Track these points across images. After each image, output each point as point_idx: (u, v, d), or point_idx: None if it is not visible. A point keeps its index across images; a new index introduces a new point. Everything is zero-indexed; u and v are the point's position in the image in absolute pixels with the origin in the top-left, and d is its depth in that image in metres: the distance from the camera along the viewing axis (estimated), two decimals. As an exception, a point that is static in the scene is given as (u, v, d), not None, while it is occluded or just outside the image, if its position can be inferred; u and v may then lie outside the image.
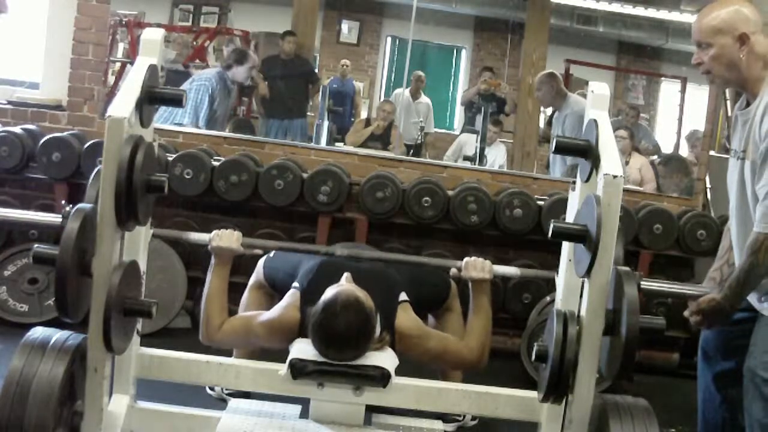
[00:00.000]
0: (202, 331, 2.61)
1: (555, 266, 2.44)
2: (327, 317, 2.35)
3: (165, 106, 2.30)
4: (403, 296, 2.63)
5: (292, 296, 2.60)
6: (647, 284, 2.17)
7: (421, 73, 6.33)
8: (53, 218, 2.18)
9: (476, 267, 2.61)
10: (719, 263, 2.46)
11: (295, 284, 2.63)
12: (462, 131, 6.13)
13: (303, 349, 2.43)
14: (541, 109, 6.02)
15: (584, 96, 3.10)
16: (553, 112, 5.47)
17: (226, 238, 2.59)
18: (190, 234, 2.74)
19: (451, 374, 2.94)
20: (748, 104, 2.23)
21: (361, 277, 2.54)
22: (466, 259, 2.63)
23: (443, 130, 6.25)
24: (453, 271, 2.66)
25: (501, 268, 2.67)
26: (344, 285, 2.46)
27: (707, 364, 2.46)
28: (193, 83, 4.80)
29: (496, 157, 5.64)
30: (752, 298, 2.23)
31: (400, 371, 2.47)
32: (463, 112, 6.32)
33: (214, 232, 2.62)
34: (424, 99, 6.27)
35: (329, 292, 2.41)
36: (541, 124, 5.94)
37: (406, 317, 2.58)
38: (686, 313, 2.30)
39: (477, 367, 2.65)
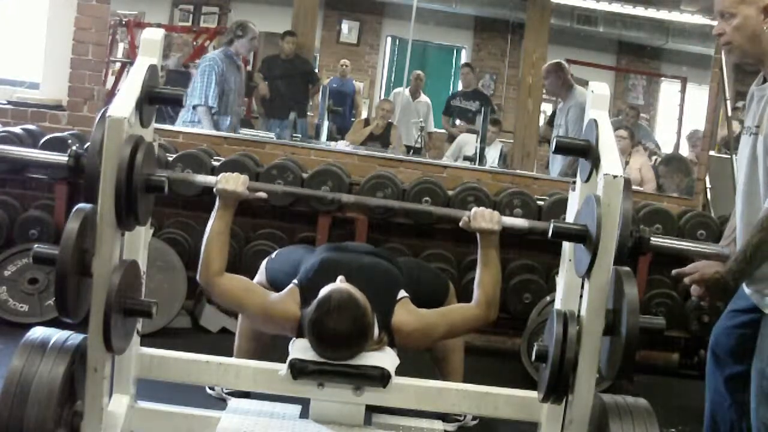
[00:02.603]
0: (201, 271, 2.58)
1: (555, 266, 2.44)
2: (320, 316, 2.36)
3: (165, 105, 2.31)
4: (401, 293, 2.62)
5: (291, 291, 2.60)
6: (657, 241, 2.14)
7: (420, 72, 6.34)
8: (60, 157, 2.17)
9: (485, 217, 2.54)
10: (726, 242, 2.44)
11: (295, 281, 2.63)
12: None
13: (303, 349, 2.43)
14: (541, 109, 6.03)
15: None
16: (554, 111, 5.48)
17: (233, 181, 2.57)
18: (196, 176, 2.74)
19: (451, 372, 2.94)
20: (765, 80, 2.21)
21: (359, 276, 2.55)
22: (474, 209, 2.57)
23: (443, 131, 6.25)
24: (462, 221, 2.59)
25: (509, 220, 2.59)
26: (338, 284, 2.46)
27: (717, 367, 2.43)
28: (200, 66, 4.82)
29: (495, 157, 5.65)
30: (757, 298, 2.22)
31: (400, 371, 2.47)
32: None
33: (221, 174, 2.60)
34: (424, 98, 6.27)
35: (323, 292, 2.42)
36: (541, 123, 5.95)
37: (403, 313, 2.56)
38: (687, 280, 2.25)
39: (488, 322, 2.62)
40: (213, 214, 2.61)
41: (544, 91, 5.72)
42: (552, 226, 2.05)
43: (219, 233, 2.58)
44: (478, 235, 2.57)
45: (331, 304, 2.36)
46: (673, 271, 2.38)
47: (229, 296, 2.60)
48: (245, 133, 4.96)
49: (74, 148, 2.04)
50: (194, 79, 4.79)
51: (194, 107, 4.69)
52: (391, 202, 3.02)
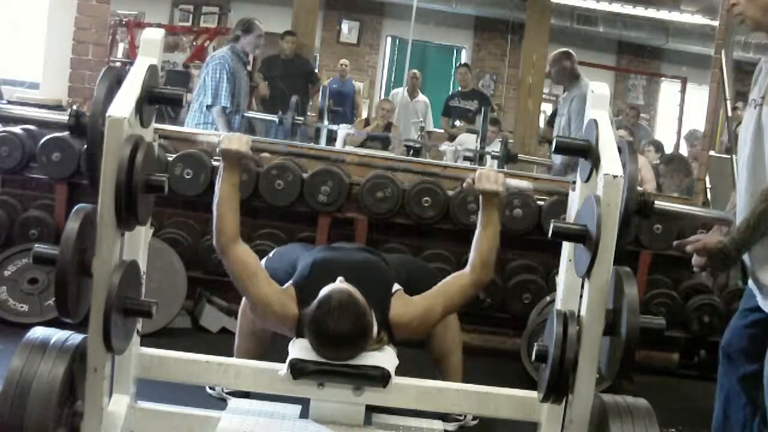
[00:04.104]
0: (216, 236, 2.58)
1: (555, 266, 2.43)
2: (321, 316, 2.37)
3: (165, 105, 2.32)
4: (396, 287, 2.64)
5: (288, 290, 2.61)
6: (662, 204, 2.15)
7: (416, 71, 6.34)
8: (60, 116, 2.17)
9: (489, 178, 2.54)
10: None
11: (290, 282, 2.64)
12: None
13: (303, 349, 2.43)
14: (541, 109, 6.03)
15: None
16: (554, 111, 5.48)
17: (236, 141, 2.55)
18: (199, 135, 2.75)
19: (450, 373, 2.93)
20: None
21: (354, 275, 2.56)
22: (479, 170, 2.58)
23: (443, 130, 6.25)
24: (466, 183, 2.59)
25: (514, 182, 2.59)
26: (338, 284, 2.47)
27: (730, 367, 2.42)
28: (209, 66, 4.76)
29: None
30: (763, 302, 2.22)
31: (400, 371, 2.47)
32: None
33: (223, 134, 2.58)
34: (422, 98, 6.28)
35: (323, 292, 2.43)
36: (542, 124, 5.95)
37: (400, 305, 2.58)
38: (689, 249, 2.24)
39: (483, 285, 2.66)
40: (218, 178, 2.61)
41: (545, 91, 5.71)
42: (552, 226, 2.05)
43: (228, 196, 2.58)
44: (480, 197, 2.58)
45: (332, 304, 2.37)
46: (675, 243, 2.38)
47: (240, 268, 2.58)
48: (249, 114, 4.94)
49: (74, 107, 2.05)
50: (202, 78, 4.75)
51: (208, 108, 4.66)
52: (397, 164, 3.03)
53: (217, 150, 2.55)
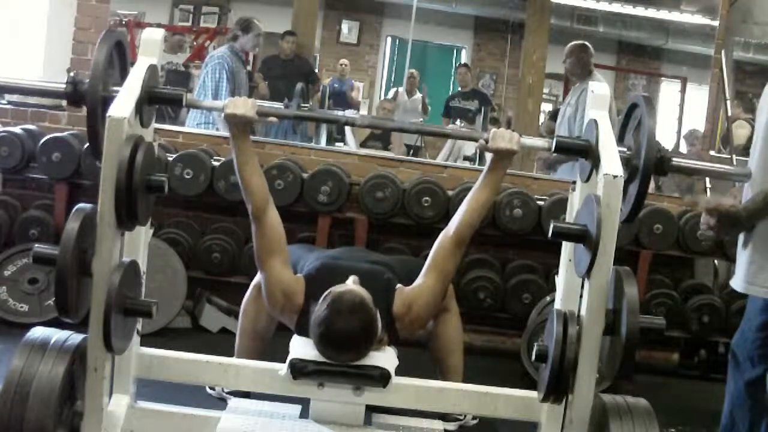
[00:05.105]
0: (248, 202, 2.61)
1: (555, 266, 2.43)
2: (331, 315, 2.35)
3: (165, 105, 2.31)
4: (398, 287, 2.65)
5: (298, 279, 2.63)
6: (679, 161, 2.14)
7: (413, 71, 6.34)
8: (57, 85, 2.14)
9: (504, 137, 2.46)
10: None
11: (301, 274, 2.66)
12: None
13: (304, 347, 2.43)
14: (541, 109, 6.03)
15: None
16: (556, 109, 5.47)
17: (241, 105, 2.51)
18: (203, 102, 2.72)
19: (451, 372, 2.93)
20: None
21: (361, 279, 2.55)
22: (493, 129, 2.50)
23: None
24: (480, 143, 2.51)
25: (529, 140, 2.53)
26: (351, 286, 2.46)
27: (737, 370, 2.43)
28: (208, 66, 4.75)
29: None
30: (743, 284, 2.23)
31: (400, 371, 2.47)
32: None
33: (228, 99, 2.56)
34: (419, 97, 6.29)
35: (336, 290, 2.41)
36: (542, 123, 5.95)
37: (399, 298, 2.59)
38: (702, 206, 2.27)
39: (467, 242, 2.62)
40: (232, 149, 2.60)
41: (545, 91, 5.70)
42: (552, 226, 2.05)
43: (245, 163, 2.58)
44: (490, 156, 2.53)
45: (343, 305, 2.36)
46: (686, 197, 2.39)
47: (266, 239, 2.64)
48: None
49: (71, 74, 2.03)
50: (201, 78, 4.75)
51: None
52: (407, 124, 2.98)
53: (223, 116, 2.53)
